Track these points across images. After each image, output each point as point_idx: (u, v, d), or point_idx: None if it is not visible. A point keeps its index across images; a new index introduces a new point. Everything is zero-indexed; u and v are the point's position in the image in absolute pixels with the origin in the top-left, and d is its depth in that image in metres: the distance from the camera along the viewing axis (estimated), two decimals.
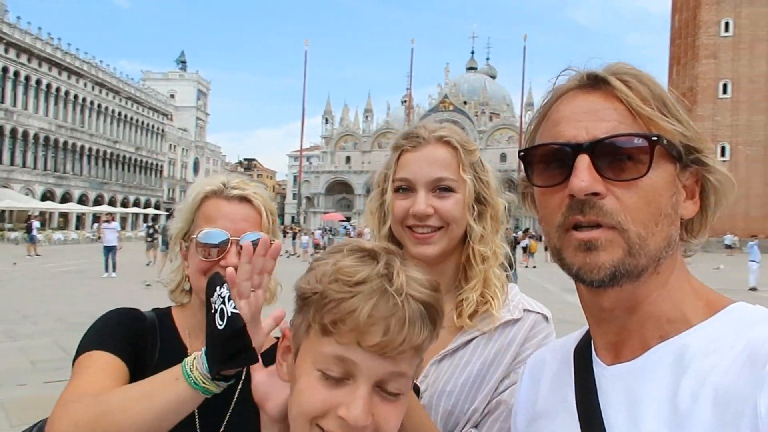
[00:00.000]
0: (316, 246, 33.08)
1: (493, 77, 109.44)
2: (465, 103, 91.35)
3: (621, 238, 0.69)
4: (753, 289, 18.13)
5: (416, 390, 1.04)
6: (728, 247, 40.42)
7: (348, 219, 63.50)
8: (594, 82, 0.74)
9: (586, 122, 0.71)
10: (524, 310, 1.27)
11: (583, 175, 0.69)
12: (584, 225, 0.70)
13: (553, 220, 0.74)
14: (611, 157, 0.69)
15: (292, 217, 53.86)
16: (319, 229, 41.21)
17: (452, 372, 1.21)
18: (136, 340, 1.20)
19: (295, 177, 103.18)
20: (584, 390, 0.79)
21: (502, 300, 1.27)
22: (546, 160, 0.75)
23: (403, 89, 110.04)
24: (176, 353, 1.18)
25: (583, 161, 0.69)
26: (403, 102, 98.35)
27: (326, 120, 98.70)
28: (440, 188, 1.22)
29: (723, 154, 54.47)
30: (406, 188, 1.24)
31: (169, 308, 1.36)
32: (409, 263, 0.83)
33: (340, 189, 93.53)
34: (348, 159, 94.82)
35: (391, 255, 0.82)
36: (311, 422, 0.78)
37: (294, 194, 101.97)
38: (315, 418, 0.78)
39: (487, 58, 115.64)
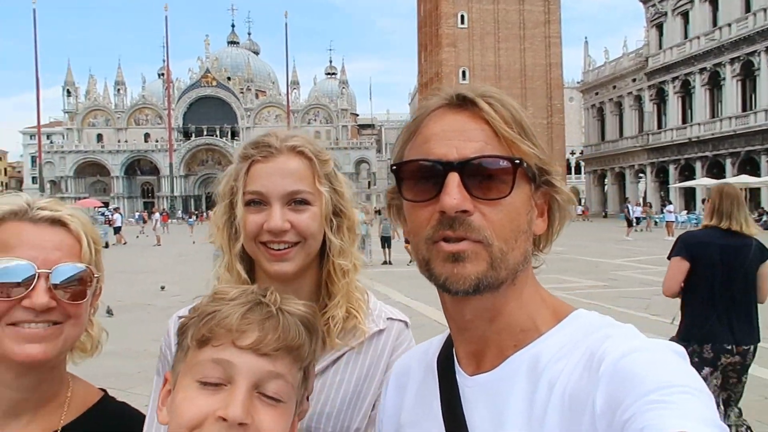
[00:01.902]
0: None
1: (257, 53, 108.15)
2: (229, 78, 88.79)
3: (486, 252, 0.74)
4: None
5: None
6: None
7: (106, 204, 57.58)
8: (462, 102, 0.79)
9: (456, 141, 0.76)
10: (387, 318, 1.27)
11: (454, 192, 0.73)
12: (452, 239, 0.74)
13: (422, 233, 0.77)
14: (479, 176, 0.74)
15: None
16: None
17: (327, 392, 1.18)
18: None
19: (33, 158, 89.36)
20: (449, 401, 0.83)
21: (366, 311, 1.25)
22: (417, 176, 0.78)
23: (160, 61, 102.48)
24: None
25: (454, 179, 0.73)
26: (161, 75, 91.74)
27: (68, 92, 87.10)
28: (296, 201, 1.16)
29: None
30: (258, 201, 1.16)
31: None
32: (287, 295, 0.89)
33: (93, 171, 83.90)
34: (100, 137, 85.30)
35: (267, 286, 0.90)
36: None
37: (34, 178, 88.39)
38: (194, 428, 0.77)
39: (249, 33, 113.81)
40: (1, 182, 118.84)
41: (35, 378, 0.98)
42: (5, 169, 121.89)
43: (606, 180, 59.53)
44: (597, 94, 59.95)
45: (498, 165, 0.74)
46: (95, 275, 1.02)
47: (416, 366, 0.95)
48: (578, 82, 70.31)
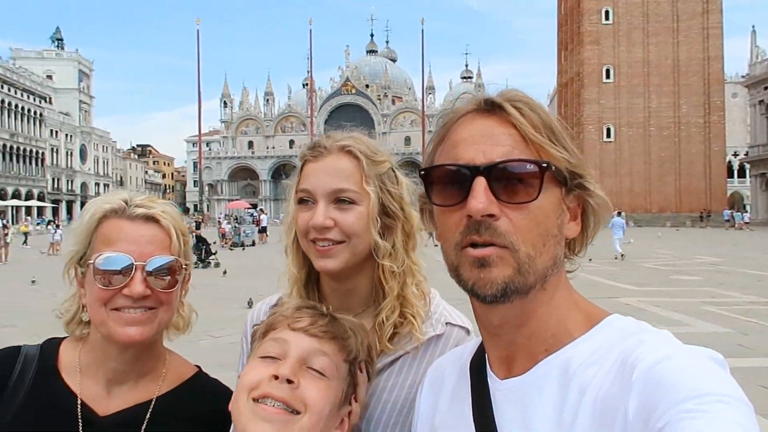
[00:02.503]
0: (222, 235, 31.61)
1: (394, 60, 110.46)
2: (367, 86, 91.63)
3: (512, 257, 0.74)
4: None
5: None
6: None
7: (254, 206, 61.99)
8: (490, 107, 0.79)
9: (483, 145, 0.76)
10: (446, 323, 1.22)
11: (480, 197, 0.73)
12: (479, 244, 0.74)
13: (451, 238, 0.78)
14: (505, 180, 0.74)
15: (195, 206, 51.76)
16: (225, 218, 39.40)
17: (379, 396, 1.17)
18: None
19: (195, 163, 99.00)
20: (480, 405, 0.83)
21: (425, 315, 1.22)
22: (445, 180, 0.78)
23: (304, 72, 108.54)
24: (51, 398, 1.10)
25: (480, 183, 0.74)
26: (305, 85, 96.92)
27: (225, 103, 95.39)
28: (341, 200, 1.16)
29: (609, 135, 58.63)
30: (307, 200, 1.18)
31: (59, 341, 1.19)
32: (342, 315, 1.06)
33: (244, 175, 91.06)
34: (250, 144, 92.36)
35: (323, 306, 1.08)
36: (248, 397, 0.91)
37: (195, 181, 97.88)
38: (252, 391, 0.91)
39: (387, 41, 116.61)
40: (169, 185, 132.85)
41: (135, 353, 1.12)
42: (172, 174, 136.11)
43: None
44: (766, 88, 53.42)
45: (524, 169, 0.74)
46: (184, 265, 1.14)
47: (450, 369, 0.96)
48: (743, 76, 63.19)
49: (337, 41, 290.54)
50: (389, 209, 1.20)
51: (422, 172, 0.82)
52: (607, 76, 58.73)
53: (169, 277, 1.10)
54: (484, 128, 0.78)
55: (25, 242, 32.30)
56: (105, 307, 1.06)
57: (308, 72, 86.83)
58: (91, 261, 1.08)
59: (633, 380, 0.66)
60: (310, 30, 79.53)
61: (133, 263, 1.06)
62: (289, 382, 0.90)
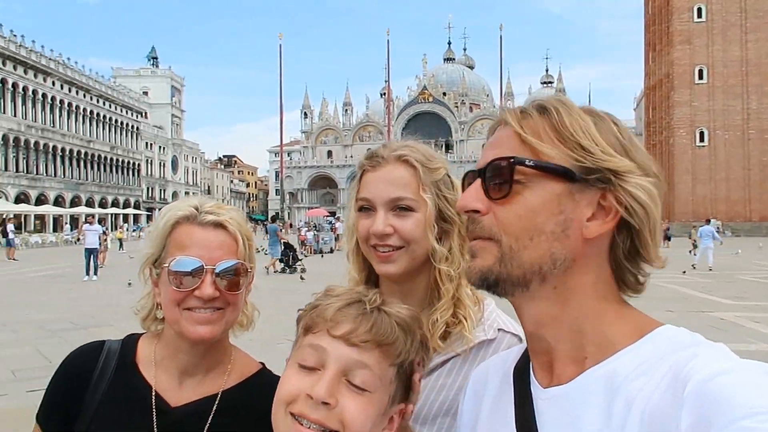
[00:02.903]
0: (302, 243, 32.29)
1: (471, 67, 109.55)
2: (444, 94, 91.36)
3: (495, 248, 0.77)
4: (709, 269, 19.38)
5: None
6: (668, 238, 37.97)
7: (333, 214, 63.25)
8: (503, 120, 0.84)
9: (489, 151, 0.82)
10: (498, 329, 1.25)
11: (466, 194, 0.80)
12: (470, 238, 0.81)
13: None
14: (491, 179, 0.78)
15: (277, 213, 53.70)
16: (305, 225, 40.16)
17: (428, 395, 1.20)
18: (67, 399, 1.20)
19: (276, 173, 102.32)
20: (523, 413, 0.83)
21: (477, 319, 1.25)
22: (468, 184, 0.84)
23: (382, 81, 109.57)
24: (130, 388, 1.19)
25: (476, 183, 0.80)
26: (382, 94, 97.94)
27: (305, 114, 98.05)
28: (399, 207, 1.21)
29: (702, 139, 55.20)
30: (367, 208, 1.24)
31: (138, 336, 1.29)
32: (393, 299, 0.97)
33: (323, 184, 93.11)
34: (329, 153, 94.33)
35: (374, 289, 0.99)
36: (286, 410, 0.88)
37: (277, 190, 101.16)
38: (289, 404, 0.88)
39: (464, 49, 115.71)
40: (253, 194, 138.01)
41: (204, 348, 1.20)
42: (255, 183, 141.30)
43: None
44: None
45: (500, 166, 0.78)
46: (248, 268, 1.20)
47: (493, 375, 0.96)
48: None
49: (414, 50, 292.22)
50: (446, 214, 1.24)
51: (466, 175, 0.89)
52: (700, 77, 55.35)
53: (235, 280, 1.16)
54: (495, 138, 0.83)
55: (120, 247, 34.46)
56: (178, 307, 1.14)
57: (386, 81, 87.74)
58: (166, 264, 1.15)
59: (685, 395, 0.64)
60: (388, 40, 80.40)
61: (203, 266, 1.14)
62: (325, 403, 0.85)
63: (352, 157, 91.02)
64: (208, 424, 1.19)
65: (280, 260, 20.67)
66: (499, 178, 0.77)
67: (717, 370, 0.64)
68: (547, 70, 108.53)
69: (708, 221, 26.76)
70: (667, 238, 33.91)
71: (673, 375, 0.67)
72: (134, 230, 57.74)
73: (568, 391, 0.77)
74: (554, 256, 0.76)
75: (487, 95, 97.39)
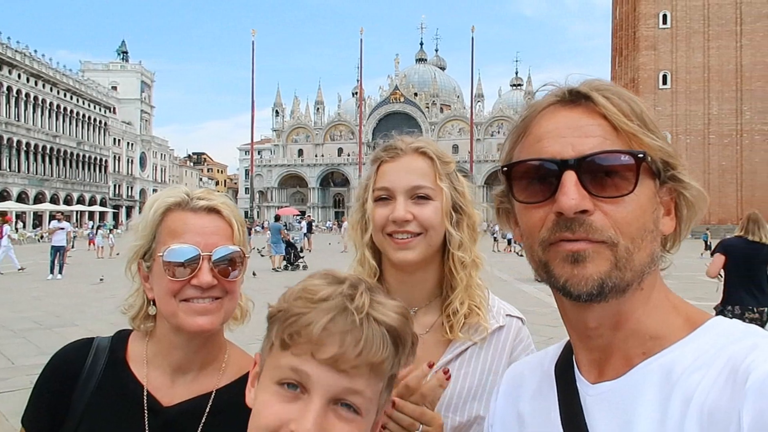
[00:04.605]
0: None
1: (443, 68, 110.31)
2: (416, 94, 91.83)
3: (609, 252, 0.69)
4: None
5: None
6: None
7: (303, 213, 62.99)
8: (576, 98, 0.74)
9: (571, 138, 0.71)
10: (506, 315, 1.34)
11: (572, 192, 0.69)
12: (572, 240, 0.70)
13: (536, 235, 0.74)
14: (598, 173, 0.70)
15: (246, 212, 53.21)
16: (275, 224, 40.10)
17: (453, 384, 1.23)
18: (54, 400, 1.14)
19: (246, 171, 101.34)
20: (570, 410, 0.77)
21: (487, 308, 1.31)
22: (530, 177, 0.74)
23: (354, 80, 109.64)
24: (120, 387, 1.14)
25: (571, 178, 0.69)
26: (354, 94, 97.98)
27: (276, 112, 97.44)
28: (418, 196, 1.27)
29: None
30: (385, 197, 1.28)
31: (128, 333, 1.24)
32: (378, 291, 0.84)
33: (293, 182, 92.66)
34: (300, 152, 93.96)
35: (359, 280, 0.84)
36: None
37: (246, 189, 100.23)
38: None
39: (436, 50, 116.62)
40: (222, 192, 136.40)
41: (200, 342, 1.15)
42: (225, 181, 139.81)
43: None
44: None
45: (619, 161, 0.69)
46: (245, 255, 1.15)
47: (530, 374, 0.90)
48: None
49: (386, 50, 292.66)
50: (457, 205, 1.31)
51: (504, 169, 0.78)
52: (664, 82, 56.89)
53: (232, 267, 1.12)
54: (569, 120, 0.73)
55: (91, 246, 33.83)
56: (175, 299, 1.09)
57: (358, 81, 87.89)
58: (160, 254, 1.10)
59: (747, 388, 0.61)
60: (361, 39, 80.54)
61: (200, 254, 1.09)
62: None
63: (323, 156, 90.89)
64: (201, 424, 1.14)
65: (284, 258, 21.10)
66: (616, 175, 0.70)
67: None
68: (516, 73, 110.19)
69: None
70: None
71: (732, 368, 0.64)
72: (99, 227, 56.68)
73: (621, 386, 0.73)
74: (654, 255, 0.73)
75: (458, 96, 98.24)
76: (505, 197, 0.82)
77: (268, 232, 34.07)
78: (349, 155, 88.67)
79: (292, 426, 0.75)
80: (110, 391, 1.14)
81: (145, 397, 1.13)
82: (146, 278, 1.16)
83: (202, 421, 1.14)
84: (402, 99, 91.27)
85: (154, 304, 1.15)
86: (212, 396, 1.16)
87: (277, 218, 26.28)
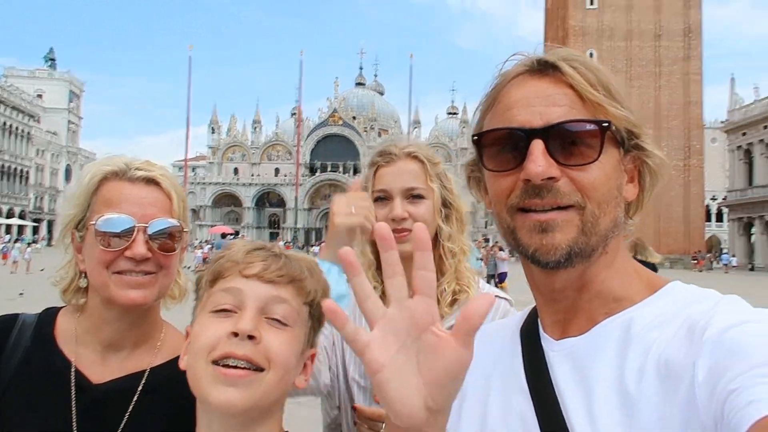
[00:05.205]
0: (204, 260, 31.73)
1: (381, 93, 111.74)
2: (354, 118, 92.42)
3: (577, 217, 0.71)
4: None
5: None
6: None
7: (237, 233, 61.64)
8: (544, 68, 0.76)
9: (539, 107, 0.73)
10: (495, 296, 1.42)
11: (539, 160, 0.70)
12: (541, 208, 0.71)
13: (505, 201, 0.75)
14: (565, 141, 0.71)
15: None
16: (208, 243, 39.46)
17: None
18: None
19: None
20: (534, 365, 0.80)
21: (476, 288, 1.48)
22: (499, 145, 0.75)
23: (293, 101, 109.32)
24: (46, 364, 1.09)
25: (538, 146, 0.71)
26: (293, 114, 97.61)
27: (213, 130, 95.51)
28: (413, 196, 1.44)
29: None
30: (383, 198, 1.45)
31: (57, 310, 1.19)
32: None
33: (227, 201, 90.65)
34: (236, 170, 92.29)
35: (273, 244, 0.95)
36: (207, 360, 0.82)
37: None
38: (210, 352, 0.82)
39: (375, 75, 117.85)
40: None
41: (132, 319, 1.11)
42: None
43: (753, 229, 53.79)
44: (744, 134, 54.89)
45: (584, 128, 0.71)
46: (184, 230, 1.12)
47: (496, 335, 0.91)
48: (722, 122, 64.96)
49: (326, 73, 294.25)
50: (447, 201, 1.49)
51: (474, 137, 0.79)
52: None
53: (169, 241, 1.09)
54: (538, 89, 0.74)
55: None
56: (107, 270, 1.05)
57: (297, 102, 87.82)
58: (93, 222, 1.06)
59: (704, 341, 0.63)
60: (301, 61, 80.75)
61: (135, 225, 1.05)
62: (251, 337, 0.82)
63: (259, 175, 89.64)
64: (133, 403, 1.09)
65: None
66: (582, 143, 0.71)
67: (737, 320, 0.63)
68: (452, 101, 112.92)
69: None
70: None
71: (691, 324, 0.67)
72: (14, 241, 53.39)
73: (583, 341, 0.76)
74: (617, 220, 0.75)
75: (396, 122, 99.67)
76: (475, 166, 0.83)
77: (198, 251, 33.65)
78: (285, 176, 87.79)
79: (231, 328, 0.81)
80: (36, 367, 1.09)
81: (72, 374, 1.09)
82: (79, 249, 1.11)
83: (134, 399, 1.10)
84: (341, 122, 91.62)
85: (86, 276, 1.11)
86: (146, 374, 1.12)
87: (224, 235, 25.96)
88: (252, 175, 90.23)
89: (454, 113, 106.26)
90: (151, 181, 1.10)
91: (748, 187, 53.72)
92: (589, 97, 0.72)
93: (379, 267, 1.41)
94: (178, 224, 1.10)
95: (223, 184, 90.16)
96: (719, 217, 75.25)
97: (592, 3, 60.15)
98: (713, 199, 74.32)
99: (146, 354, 1.15)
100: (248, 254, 0.88)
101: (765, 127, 50.73)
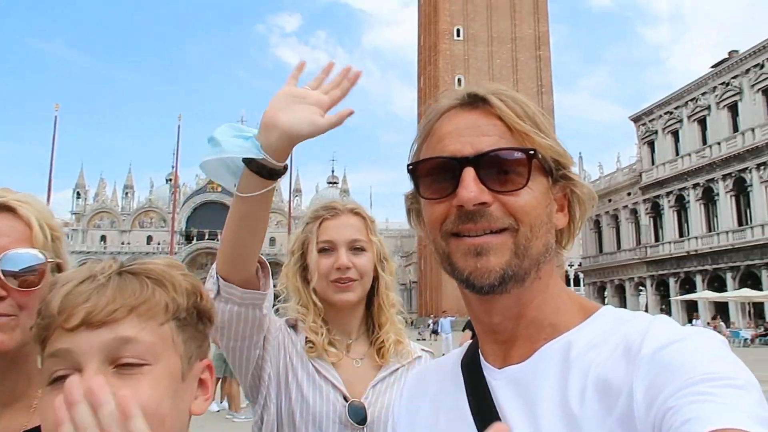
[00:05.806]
0: None
1: None
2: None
3: (511, 239, 0.74)
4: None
5: None
6: (435, 332, 35.34)
7: None
8: (474, 101, 0.80)
9: (470, 137, 0.77)
10: (422, 349, 1.68)
11: (471, 186, 0.74)
12: (474, 232, 0.75)
13: (439, 227, 0.78)
14: (494, 169, 0.75)
15: None
16: None
17: (383, 399, 1.50)
18: None
19: None
20: (478, 396, 0.81)
21: (407, 340, 1.64)
22: (433, 174, 0.79)
23: (169, 167, 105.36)
24: None
25: (469, 174, 0.74)
26: (168, 180, 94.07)
27: (78, 194, 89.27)
28: (355, 248, 1.55)
29: None
30: (328, 249, 1.55)
31: None
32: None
33: None
34: (103, 238, 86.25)
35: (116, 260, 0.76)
36: None
37: None
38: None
39: None
40: None
41: None
42: None
43: (606, 292, 59.09)
44: (593, 207, 60.80)
45: (512, 156, 0.75)
46: (49, 261, 0.96)
47: (432, 375, 0.95)
48: None
49: (205, 139, 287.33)
50: (381, 255, 1.62)
51: (410, 167, 0.82)
52: None
53: (30, 276, 0.92)
54: (468, 121, 0.79)
55: None
56: None
57: (173, 167, 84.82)
58: None
59: (639, 359, 0.66)
60: (179, 126, 78.64)
61: None
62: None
63: (129, 243, 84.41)
64: None
65: None
66: (510, 170, 0.75)
67: (671, 338, 0.66)
68: (333, 171, 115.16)
69: (444, 314, 30.51)
70: (435, 332, 36.51)
71: (627, 343, 0.69)
72: None
73: (525, 368, 0.78)
74: (548, 245, 0.78)
75: (277, 190, 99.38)
76: (414, 198, 0.86)
77: None
78: (159, 243, 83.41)
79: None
80: None
81: None
82: None
83: None
84: (219, 189, 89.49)
85: None
86: None
87: None
88: (122, 243, 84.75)
89: (335, 182, 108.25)
90: (4, 208, 0.94)
91: (599, 254, 59.32)
92: (516, 128, 0.76)
93: (325, 313, 1.54)
94: (41, 255, 0.94)
95: (88, 252, 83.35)
96: (577, 282, 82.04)
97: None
98: (570, 265, 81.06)
99: (19, 415, 0.96)
100: (66, 298, 0.69)
101: (609, 201, 56.93)
